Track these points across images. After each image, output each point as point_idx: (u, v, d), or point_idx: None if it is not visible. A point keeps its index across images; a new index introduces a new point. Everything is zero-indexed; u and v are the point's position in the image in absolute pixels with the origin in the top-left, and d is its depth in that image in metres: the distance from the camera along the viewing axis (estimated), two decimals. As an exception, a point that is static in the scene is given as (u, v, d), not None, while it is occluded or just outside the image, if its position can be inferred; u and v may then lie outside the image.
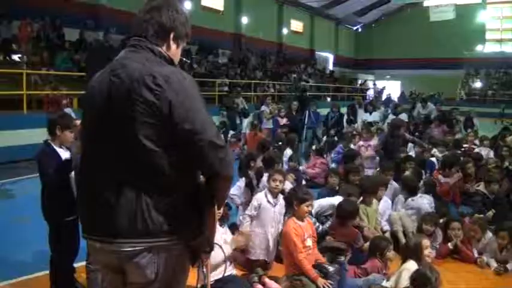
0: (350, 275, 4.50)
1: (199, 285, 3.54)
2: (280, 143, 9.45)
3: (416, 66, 39.56)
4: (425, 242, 4.19)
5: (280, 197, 4.94)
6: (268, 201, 4.77)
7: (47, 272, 4.07)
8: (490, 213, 6.34)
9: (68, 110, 10.52)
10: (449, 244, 5.35)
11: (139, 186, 1.88)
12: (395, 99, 25.85)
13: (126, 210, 1.88)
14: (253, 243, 4.68)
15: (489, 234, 5.37)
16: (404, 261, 4.17)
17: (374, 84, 42.26)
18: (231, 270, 3.94)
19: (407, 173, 7.05)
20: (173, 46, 2.12)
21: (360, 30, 45.11)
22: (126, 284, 2.04)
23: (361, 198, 5.62)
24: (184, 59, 2.40)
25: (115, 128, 1.91)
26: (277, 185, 4.80)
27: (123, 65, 1.96)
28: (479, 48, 38.75)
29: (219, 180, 1.99)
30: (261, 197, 4.81)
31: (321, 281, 4.11)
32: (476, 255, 5.31)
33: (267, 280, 4.40)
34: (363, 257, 4.81)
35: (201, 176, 2.06)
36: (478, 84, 38.09)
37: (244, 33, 28.79)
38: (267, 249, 4.76)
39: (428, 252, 4.19)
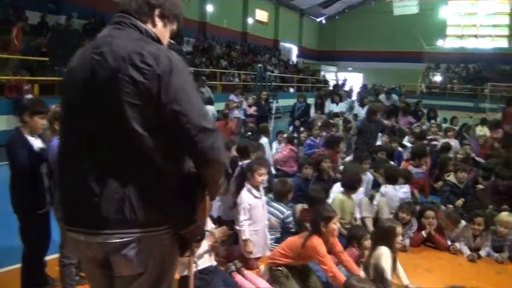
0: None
1: (180, 276, 3.44)
2: (250, 133, 9.37)
3: (378, 59, 40.19)
4: (399, 229, 4.19)
5: (261, 187, 4.85)
6: (256, 197, 4.68)
7: (16, 266, 3.84)
8: (460, 202, 6.48)
9: (28, 97, 10.12)
10: (423, 232, 5.42)
11: (126, 173, 1.74)
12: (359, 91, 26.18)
13: (113, 199, 1.73)
14: (254, 244, 4.54)
15: (462, 222, 5.45)
16: (374, 246, 4.15)
17: (336, 76, 42.69)
18: (212, 261, 3.83)
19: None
20: (159, 24, 1.99)
21: (323, 22, 45.27)
22: (112, 278, 1.90)
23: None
24: (173, 41, 2.28)
25: (99, 110, 1.76)
26: (263, 179, 4.75)
27: (106, 43, 1.80)
28: (440, 43, 39.70)
29: (209, 166, 1.83)
30: (247, 197, 4.64)
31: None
32: (449, 243, 5.38)
33: (246, 272, 4.32)
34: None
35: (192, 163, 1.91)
36: (438, 78, 39.17)
37: (209, 22, 28.42)
38: (264, 245, 4.71)
39: (400, 240, 4.21)
